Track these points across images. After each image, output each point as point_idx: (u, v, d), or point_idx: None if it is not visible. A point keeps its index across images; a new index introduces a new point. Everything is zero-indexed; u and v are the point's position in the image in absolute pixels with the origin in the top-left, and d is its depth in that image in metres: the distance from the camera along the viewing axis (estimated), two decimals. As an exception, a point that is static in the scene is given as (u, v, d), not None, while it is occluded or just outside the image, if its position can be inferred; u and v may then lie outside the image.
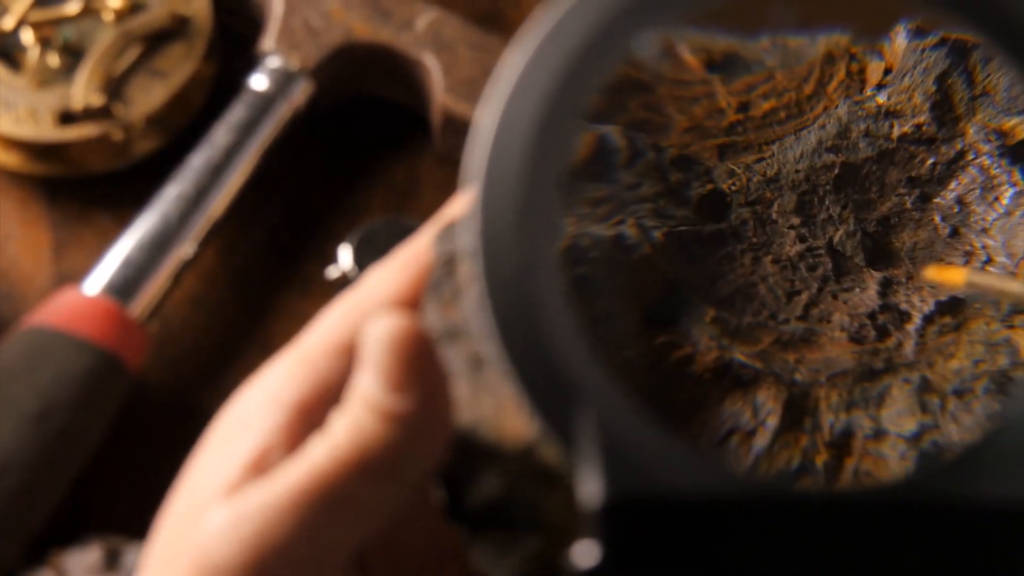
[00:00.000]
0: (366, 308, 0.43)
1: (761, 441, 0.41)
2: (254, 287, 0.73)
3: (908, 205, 0.43)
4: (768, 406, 0.41)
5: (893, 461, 0.40)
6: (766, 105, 0.43)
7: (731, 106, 0.43)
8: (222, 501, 0.40)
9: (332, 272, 0.70)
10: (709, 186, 0.42)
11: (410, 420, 0.39)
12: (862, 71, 0.43)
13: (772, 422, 0.40)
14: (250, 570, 0.39)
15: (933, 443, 0.40)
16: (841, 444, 0.41)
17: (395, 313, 0.40)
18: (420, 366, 0.39)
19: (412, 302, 0.42)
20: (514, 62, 0.33)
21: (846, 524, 0.32)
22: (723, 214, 0.42)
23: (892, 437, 0.40)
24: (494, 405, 0.41)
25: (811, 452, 0.41)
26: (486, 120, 0.33)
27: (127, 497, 0.67)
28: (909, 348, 0.42)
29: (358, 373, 0.40)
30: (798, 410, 0.41)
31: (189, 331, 0.72)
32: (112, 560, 0.61)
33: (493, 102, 0.33)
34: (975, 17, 0.33)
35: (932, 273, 0.41)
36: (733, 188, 0.42)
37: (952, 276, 0.41)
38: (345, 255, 0.69)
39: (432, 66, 0.73)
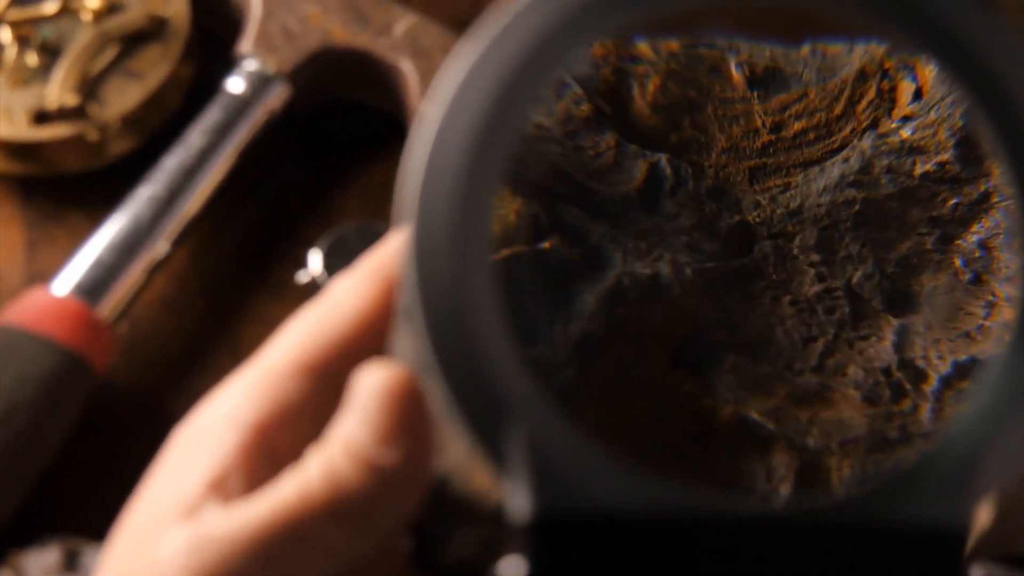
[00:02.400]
0: (330, 322, 0.41)
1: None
2: (225, 290, 0.72)
3: (929, 246, 0.41)
4: (780, 472, 0.39)
5: None
6: (797, 126, 0.42)
7: (766, 126, 0.42)
8: (180, 522, 0.39)
9: (302, 277, 0.69)
10: (737, 217, 0.41)
11: (391, 473, 0.38)
12: (893, 89, 0.42)
13: (785, 491, 0.39)
14: None
15: None
16: None
17: (392, 364, 0.38)
18: (411, 422, 0.38)
19: (377, 316, 0.41)
20: (457, 67, 0.33)
21: (779, 545, 0.31)
22: (748, 247, 0.41)
23: None
24: (464, 453, 0.40)
25: None
26: (422, 136, 0.32)
27: (92, 499, 0.66)
28: (925, 414, 0.40)
29: (343, 416, 0.38)
30: (810, 479, 0.39)
31: (158, 333, 0.70)
32: (71, 561, 0.60)
33: (426, 127, 0.32)
34: (930, 44, 0.32)
35: None
36: (757, 220, 0.41)
37: None
38: (315, 260, 0.68)
39: (409, 72, 0.72)
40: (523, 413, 0.31)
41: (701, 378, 0.40)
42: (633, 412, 0.39)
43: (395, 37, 0.73)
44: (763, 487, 0.39)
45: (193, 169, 0.69)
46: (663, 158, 0.41)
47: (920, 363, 0.40)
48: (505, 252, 0.39)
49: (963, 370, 0.40)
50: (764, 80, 0.42)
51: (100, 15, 0.73)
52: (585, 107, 0.41)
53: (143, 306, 0.71)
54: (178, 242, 0.69)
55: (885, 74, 0.42)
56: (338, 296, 0.41)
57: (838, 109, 0.42)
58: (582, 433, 0.31)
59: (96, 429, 0.67)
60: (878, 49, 0.42)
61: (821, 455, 0.39)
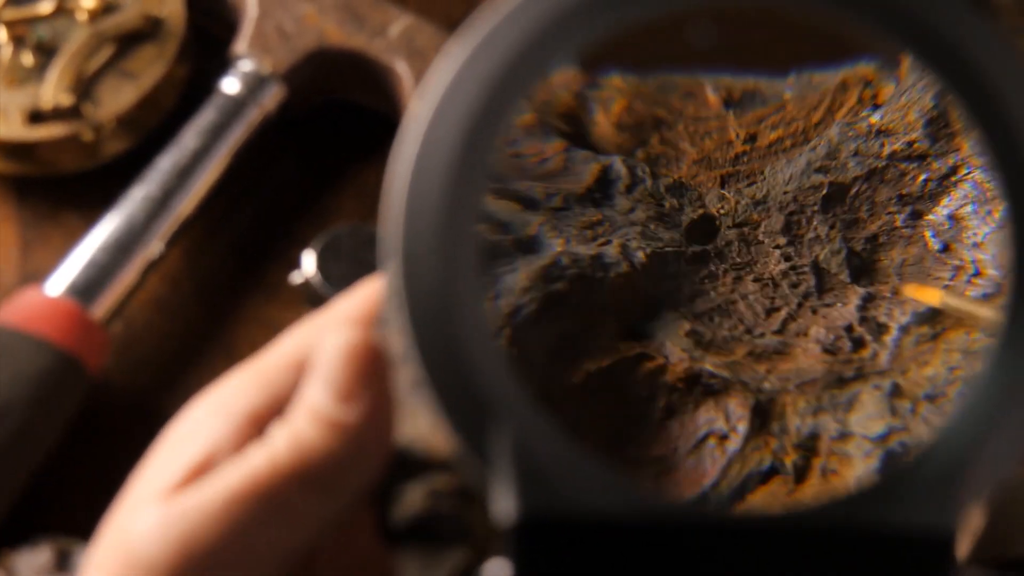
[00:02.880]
0: (327, 327, 0.42)
1: (734, 444, 0.40)
2: (219, 291, 0.71)
3: (898, 223, 0.42)
4: (738, 412, 0.40)
5: (858, 459, 0.40)
6: (773, 135, 0.43)
7: (739, 137, 0.43)
8: (157, 502, 0.39)
9: (295, 278, 0.69)
10: (700, 211, 0.42)
11: (353, 432, 0.38)
12: (875, 96, 0.43)
13: (743, 426, 0.40)
14: (177, 569, 0.38)
15: (900, 443, 0.40)
16: (808, 445, 0.40)
17: (352, 326, 0.39)
18: (370, 380, 0.38)
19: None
20: (445, 70, 0.33)
21: (761, 550, 0.31)
22: (711, 237, 0.42)
23: (857, 437, 0.40)
24: (429, 425, 0.40)
25: (780, 453, 0.41)
26: (408, 139, 0.32)
27: (85, 499, 0.65)
28: (884, 358, 0.41)
29: (306, 383, 0.39)
30: (766, 415, 0.40)
31: (152, 333, 0.70)
32: (63, 561, 0.60)
33: (413, 130, 0.32)
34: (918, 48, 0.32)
35: (910, 290, 0.41)
36: (722, 211, 0.42)
37: (928, 295, 0.41)
38: (308, 261, 0.68)
39: (404, 73, 0.71)
40: (509, 417, 0.31)
41: (651, 341, 0.41)
42: (578, 376, 0.40)
43: (390, 38, 0.72)
44: (723, 428, 0.40)
45: (187, 169, 0.69)
46: (617, 159, 0.42)
47: (882, 319, 0.41)
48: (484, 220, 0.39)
49: (922, 318, 0.41)
50: (741, 101, 0.43)
51: (95, 15, 0.72)
52: (527, 117, 0.42)
53: (137, 306, 0.70)
54: (172, 242, 0.69)
55: (868, 84, 0.43)
56: (341, 309, 0.42)
57: (816, 117, 0.43)
58: (567, 437, 0.31)
59: (90, 429, 0.67)
60: (867, 68, 0.43)
61: (777, 394, 0.40)
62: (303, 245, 0.70)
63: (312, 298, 0.67)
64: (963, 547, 0.59)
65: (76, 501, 0.66)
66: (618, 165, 0.42)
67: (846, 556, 0.31)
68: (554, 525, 0.31)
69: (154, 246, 0.68)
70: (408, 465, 0.41)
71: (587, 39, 0.32)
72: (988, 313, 0.41)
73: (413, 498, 0.41)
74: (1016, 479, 0.56)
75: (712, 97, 0.43)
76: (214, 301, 0.71)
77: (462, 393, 0.31)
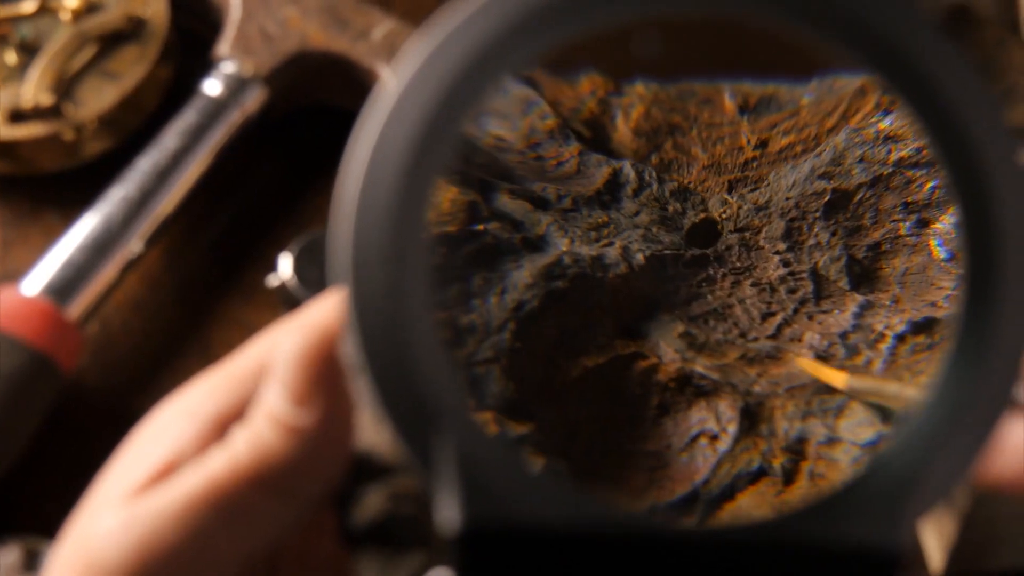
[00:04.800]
0: (298, 333, 0.42)
1: (724, 444, 0.41)
2: (196, 292, 0.71)
3: (903, 231, 0.42)
4: (728, 413, 0.40)
5: (845, 464, 0.40)
6: (784, 141, 0.43)
7: (750, 143, 0.43)
8: (119, 505, 0.39)
9: (272, 280, 0.68)
10: (702, 215, 0.42)
11: (310, 435, 0.38)
12: (893, 102, 0.43)
13: (732, 428, 0.41)
14: (135, 573, 0.38)
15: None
16: (796, 449, 0.41)
17: (310, 330, 0.39)
18: (327, 383, 0.38)
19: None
20: (400, 73, 0.33)
21: (705, 563, 0.31)
22: (712, 241, 0.42)
23: (846, 443, 0.40)
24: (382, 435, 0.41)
25: (769, 455, 0.41)
26: (359, 147, 0.32)
27: (58, 499, 0.65)
28: (878, 365, 0.41)
29: (264, 387, 0.39)
30: (754, 417, 0.41)
31: (128, 334, 0.69)
32: (32, 561, 0.60)
33: (365, 136, 0.32)
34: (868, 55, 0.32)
35: (808, 367, 0.41)
36: (724, 216, 0.42)
37: (832, 378, 0.41)
38: (285, 264, 0.68)
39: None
40: (453, 426, 0.31)
41: (646, 341, 0.41)
42: (576, 371, 0.40)
43: (373, 42, 0.72)
44: (714, 428, 0.40)
45: (167, 170, 0.69)
46: (627, 163, 0.42)
47: (879, 327, 0.41)
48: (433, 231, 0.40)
49: (918, 327, 0.41)
50: (757, 107, 0.43)
51: (79, 14, 0.72)
52: (550, 121, 0.42)
53: (114, 307, 0.70)
54: (151, 243, 0.69)
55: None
56: (313, 314, 0.42)
57: (830, 123, 0.43)
58: (512, 447, 0.31)
59: (63, 430, 0.67)
60: None
61: (765, 398, 0.40)
62: (281, 248, 0.70)
63: (288, 301, 0.67)
64: (937, 560, 0.59)
65: (47, 501, 0.66)
66: (627, 169, 0.42)
67: (792, 571, 0.31)
68: (497, 535, 0.31)
69: (133, 246, 0.68)
70: (369, 469, 0.41)
71: (545, 47, 0.32)
72: (894, 389, 0.41)
73: (373, 501, 0.41)
74: (988, 492, 0.56)
75: (729, 103, 0.43)
76: (191, 302, 0.71)
77: (408, 402, 0.31)
